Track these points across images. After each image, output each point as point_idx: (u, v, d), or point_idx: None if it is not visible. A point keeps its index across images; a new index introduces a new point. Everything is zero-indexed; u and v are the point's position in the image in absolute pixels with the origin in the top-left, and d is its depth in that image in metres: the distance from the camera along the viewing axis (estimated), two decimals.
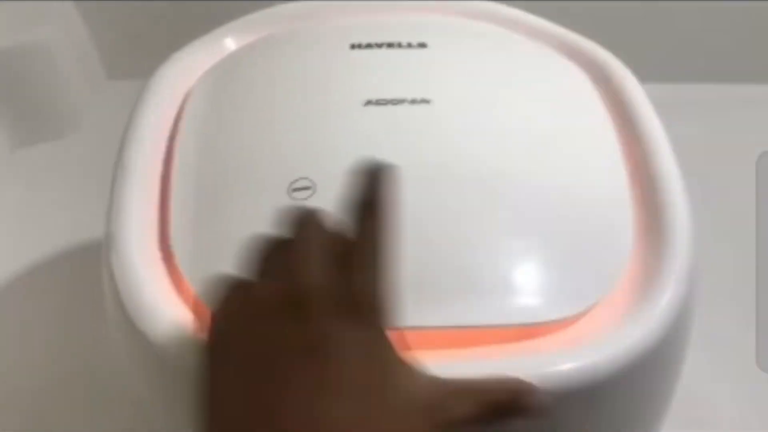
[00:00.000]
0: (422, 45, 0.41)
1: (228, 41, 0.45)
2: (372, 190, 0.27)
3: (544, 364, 0.32)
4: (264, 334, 0.25)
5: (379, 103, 0.38)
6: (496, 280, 0.33)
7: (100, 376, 0.54)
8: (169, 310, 0.33)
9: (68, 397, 0.54)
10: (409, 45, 0.41)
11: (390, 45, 0.41)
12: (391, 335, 0.27)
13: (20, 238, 0.66)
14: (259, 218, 0.35)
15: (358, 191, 0.27)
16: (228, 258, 0.34)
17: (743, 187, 0.67)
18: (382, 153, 0.36)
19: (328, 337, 0.24)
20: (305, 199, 0.35)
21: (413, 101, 0.38)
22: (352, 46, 0.41)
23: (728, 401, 0.54)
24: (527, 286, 0.33)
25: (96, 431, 0.52)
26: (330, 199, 0.35)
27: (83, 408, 0.54)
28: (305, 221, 0.28)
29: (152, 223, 0.37)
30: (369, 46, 0.41)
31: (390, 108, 0.37)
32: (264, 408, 0.24)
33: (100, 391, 0.54)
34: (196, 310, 0.33)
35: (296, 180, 0.35)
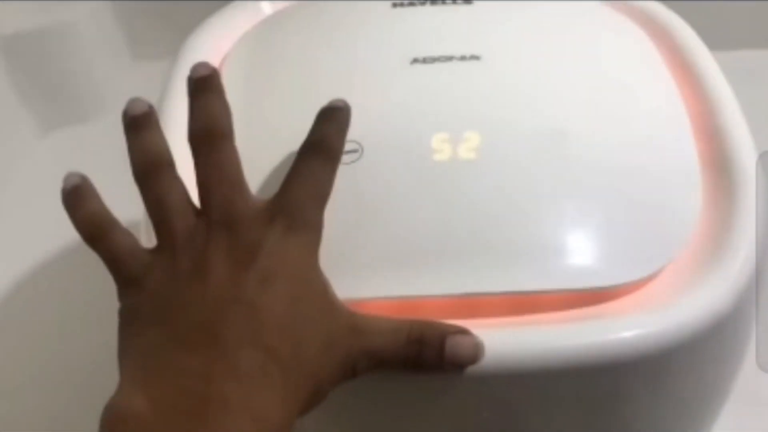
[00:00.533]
0: (467, 1, 0.39)
1: (264, 5, 0.44)
2: (322, 127, 0.30)
3: (610, 330, 0.30)
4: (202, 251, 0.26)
5: (426, 61, 0.36)
6: (559, 242, 0.31)
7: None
8: None
9: (66, 395, 0.52)
10: (454, 1, 0.39)
11: (434, 2, 0.39)
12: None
13: (49, 220, 0.65)
14: None
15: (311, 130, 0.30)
16: None
17: None
18: (433, 111, 0.34)
19: (260, 240, 0.26)
20: (353, 162, 0.33)
21: (462, 58, 0.36)
22: (394, 5, 0.39)
23: None
24: (591, 250, 0.31)
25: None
26: (378, 161, 0.33)
27: (81, 407, 0.54)
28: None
29: (191, 191, 0.35)
30: (412, 3, 0.39)
31: (438, 65, 0.35)
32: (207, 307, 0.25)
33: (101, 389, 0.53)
34: None
35: None
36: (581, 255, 0.31)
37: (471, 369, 0.28)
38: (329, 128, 0.30)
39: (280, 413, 0.24)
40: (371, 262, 0.31)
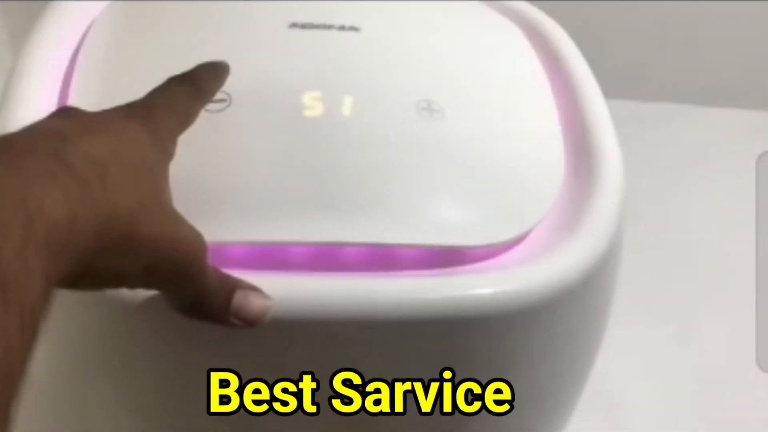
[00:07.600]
0: None
1: None
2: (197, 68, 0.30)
3: (469, 286, 0.30)
4: None
5: (305, 26, 0.36)
6: (424, 203, 0.31)
7: None
8: None
9: None
10: None
11: None
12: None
13: None
14: None
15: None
16: None
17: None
18: (303, 74, 0.34)
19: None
20: (221, 110, 0.32)
21: (342, 28, 0.36)
22: None
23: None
24: (457, 212, 0.32)
25: None
26: (244, 111, 0.32)
27: None
28: None
29: None
30: None
31: (316, 32, 0.35)
32: None
33: None
34: None
35: None
36: (444, 213, 0.31)
37: (332, 309, 0.27)
38: (203, 69, 0.30)
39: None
40: (233, 207, 0.30)
